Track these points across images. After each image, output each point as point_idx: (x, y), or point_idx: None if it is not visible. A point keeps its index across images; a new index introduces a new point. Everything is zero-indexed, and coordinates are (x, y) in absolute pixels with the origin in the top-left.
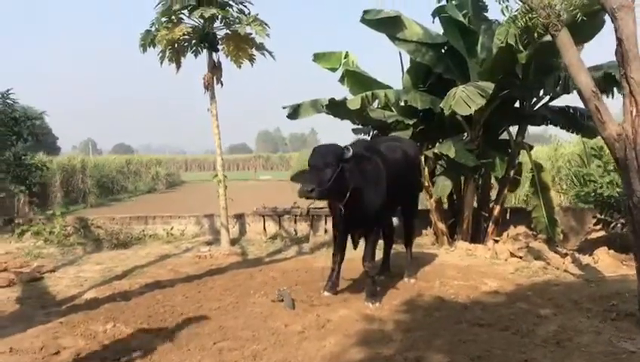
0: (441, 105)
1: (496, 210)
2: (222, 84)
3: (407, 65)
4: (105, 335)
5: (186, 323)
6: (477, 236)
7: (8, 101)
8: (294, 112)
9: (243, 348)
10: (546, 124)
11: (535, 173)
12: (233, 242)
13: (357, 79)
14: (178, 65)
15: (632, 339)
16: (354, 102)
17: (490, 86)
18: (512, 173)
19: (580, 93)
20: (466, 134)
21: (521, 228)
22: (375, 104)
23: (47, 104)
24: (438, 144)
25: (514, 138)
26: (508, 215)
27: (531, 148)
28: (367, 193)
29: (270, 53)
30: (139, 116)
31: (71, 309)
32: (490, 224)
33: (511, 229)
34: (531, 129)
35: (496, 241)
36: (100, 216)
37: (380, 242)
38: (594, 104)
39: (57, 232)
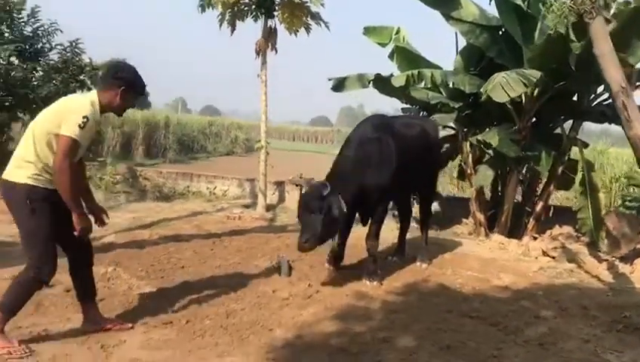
0: (481, 89)
1: (539, 206)
2: (276, 51)
3: (462, 46)
4: (100, 277)
5: (181, 275)
6: (516, 231)
7: (76, 50)
8: (339, 85)
9: (222, 305)
10: (605, 122)
11: (585, 171)
12: (269, 208)
13: (406, 56)
14: (233, 29)
15: (620, 352)
16: (398, 80)
17: (535, 74)
18: (560, 169)
19: (609, 88)
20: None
21: (568, 229)
22: (422, 84)
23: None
24: (485, 131)
25: (566, 133)
26: (552, 212)
27: (586, 145)
28: (369, 177)
29: (325, 23)
30: (230, 81)
31: None
32: (531, 220)
33: (556, 228)
34: (590, 126)
35: (535, 238)
36: (150, 169)
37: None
38: (621, 100)
39: (107, 179)
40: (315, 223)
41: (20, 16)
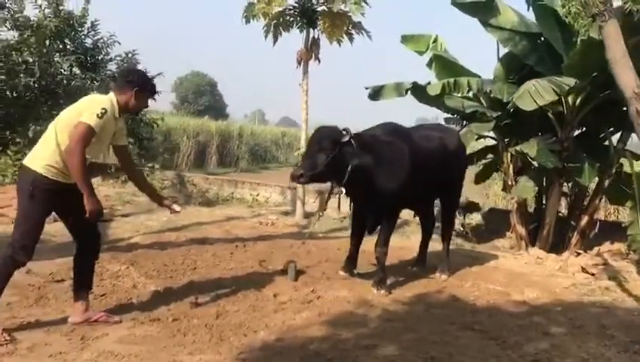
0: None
1: (584, 220)
2: (319, 61)
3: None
4: (110, 274)
5: (190, 276)
6: (560, 246)
7: (133, 61)
8: (376, 94)
9: (218, 306)
10: None
11: (636, 185)
12: (308, 215)
13: (444, 64)
14: (275, 39)
15: None
16: (434, 88)
17: (569, 81)
18: (606, 182)
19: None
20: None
21: (619, 245)
22: (459, 93)
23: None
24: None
25: (614, 144)
26: (598, 228)
27: (637, 157)
28: (378, 176)
29: (367, 32)
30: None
31: (109, 249)
32: (575, 235)
33: (606, 245)
34: None
35: (578, 254)
36: (197, 175)
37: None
38: (634, 107)
39: (155, 184)
40: (316, 161)
41: (81, 29)
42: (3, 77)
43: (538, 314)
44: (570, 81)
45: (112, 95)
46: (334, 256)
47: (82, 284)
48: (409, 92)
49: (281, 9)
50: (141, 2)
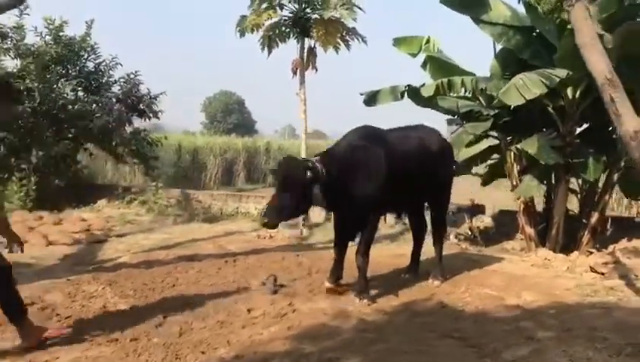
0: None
1: (594, 217)
2: (316, 70)
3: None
4: (83, 295)
5: (167, 293)
6: (571, 245)
7: (135, 81)
8: (372, 99)
9: (185, 323)
10: None
11: None
12: (312, 227)
13: (439, 65)
14: (269, 51)
15: None
16: (427, 90)
17: (560, 73)
18: (616, 176)
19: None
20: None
21: (637, 243)
22: (454, 93)
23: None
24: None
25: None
26: (610, 224)
27: None
28: (353, 184)
29: (362, 37)
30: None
31: (95, 269)
32: (586, 233)
33: (622, 242)
34: None
35: (590, 253)
36: (202, 192)
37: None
38: (608, 93)
39: (160, 203)
40: (283, 202)
41: (83, 53)
42: (24, 106)
43: (527, 318)
44: (562, 73)
45: None
46: (326, 266)
47: (9, 314)
48: (405, 95)
49: (272, 21)
50: (169, 27)
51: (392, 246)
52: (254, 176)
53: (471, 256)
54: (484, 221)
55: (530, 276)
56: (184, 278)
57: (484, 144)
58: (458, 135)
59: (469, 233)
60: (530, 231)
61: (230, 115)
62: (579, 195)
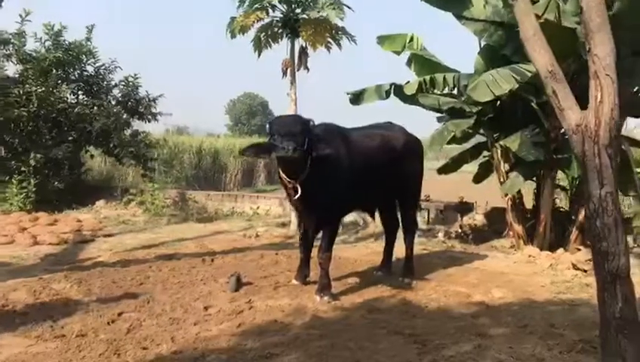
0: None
1: (581, 214)
2: (308, 70)
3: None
4: (48, 292)
5: (132, 291)
6: (559, 242)
7: (136, 84)
8: (357, 98)
9: (136, 320)
10: None
11: (637, 173)
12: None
13: (423, 62)
14: (259, 52)
15: None
16: (410, 88)
17: (534, 68)
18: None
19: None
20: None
21: (629, 239)
22: (438, 90)
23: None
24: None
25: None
26: None
27: (636, 142)
28: (322, 177)
29: (351, 37)
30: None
31: (71, 268)
32: (574, 230)
33: None
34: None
35: (578, 250)
36: (199, 192)
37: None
38: (551, 87)
39: (157, 204)
40: (300, 140)
41: (83, 57)
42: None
43: (486, 315)
44: (534, 68)
45: None
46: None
47: None
48: (391, 94)
49: (263, 22)
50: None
51: (375, 245)
52: (274, 177)
53: (454, 254)
54: (476, 219)
55: (508, 273)
56: (154, 277)
57: (473, 141)
58: (439, 132)
59: (460, 231)
60: (518, 228)
61: (254, 116)
62: (568, 192)
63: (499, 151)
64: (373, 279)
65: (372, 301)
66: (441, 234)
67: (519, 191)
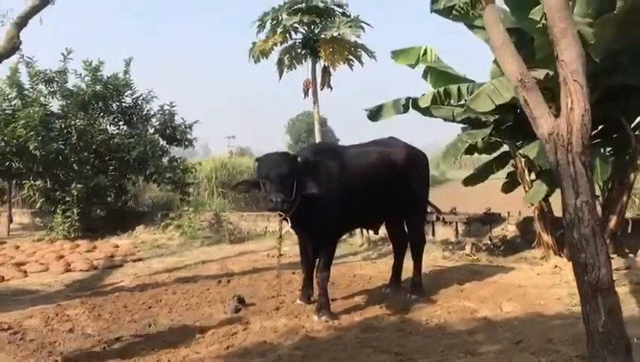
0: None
1: (612, 221)
2: (331, 88)
3: None
4: (59, 319)
5: (138, 316)
6: None
7: (172, 111)
8: (375, 114)
9: (133, 344)
10: None
11: None
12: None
13: (438, 74)
14: (280, 74)
15: None
16: (425, 100)
17: (539, 74)
18: (632, 177)
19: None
20: None
21: None
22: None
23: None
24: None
25: (633, 135)
26: (630, 228)
27: None
28: (312, 204)
29: (371, 52)
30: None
31: (92, 294)
32: (606, 239)
33: None
34: None
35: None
36: (234, 213)
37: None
38: (522, 95)
39: (193, 226)
40: (288, 187)
41: (122, 90)
42: (57, 144)
43: (483, 331)
44: (541, 74)
45: None
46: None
47: None
48: (409, 107)
49: (285, 45)
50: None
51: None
52: None
53: (475, 268)
54: (508, 229)
55: (526, 286)
56: (166, 300)
57: (498, 150)
58: (453, 143)
59: (489, 243)
60: (547, 238)
61: (312, 134)
62: (599, 198)
63: (522, 160)
64: (379, 297)
65: (371, 319)
66: (468, 247)
67: (547, 200)
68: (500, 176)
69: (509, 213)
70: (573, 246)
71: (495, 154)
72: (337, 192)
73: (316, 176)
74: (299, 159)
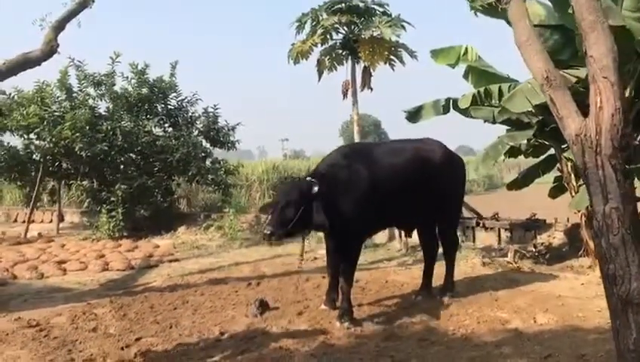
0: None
1: None
2: (371, 89)
3: None
4: (86, 317)
5: (161, 316)
6: None
7: (215, 113)
8: (415, 115)
9: (151, 344)
10: None
11: None
12: (376, 246)
13: (479, 74)
14: (319, 76)
15: None
16: (465, 101)
17: (580, 73)
18: None
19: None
20: None
21: None
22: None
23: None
24: None
25: None
26: None
27: None
28: (336, 205)
29: (412, 52)
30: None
31: (123, 293)
32: None
33: None
34: None
35: None
36: None
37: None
38: (548, 94)
39: (233, 228)
40: (286, 216)
41: (168, 92)
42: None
43: (511, 344)
44: (582, 73)
45: None
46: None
47: None
48: (450, 108)
49: (326, 46)
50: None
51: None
52: None
53: (514, 276)
54: (555, 236)
55: (566, 296)
56: (192, 301)
57: (545, 153)
58: (493, 146)
59: (534, 250)
60: (593, 246)
61: (367, 137)
62: None
63: (568, 164)
64: (408, 304)
65: (396, 327)
66: (510, 255)
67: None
68: (549, 180)
69: (556, 219)
70: (601, 256)
71: (542, 157)
72: (361, 196)
73: (341, 182)
74: (314, 189)
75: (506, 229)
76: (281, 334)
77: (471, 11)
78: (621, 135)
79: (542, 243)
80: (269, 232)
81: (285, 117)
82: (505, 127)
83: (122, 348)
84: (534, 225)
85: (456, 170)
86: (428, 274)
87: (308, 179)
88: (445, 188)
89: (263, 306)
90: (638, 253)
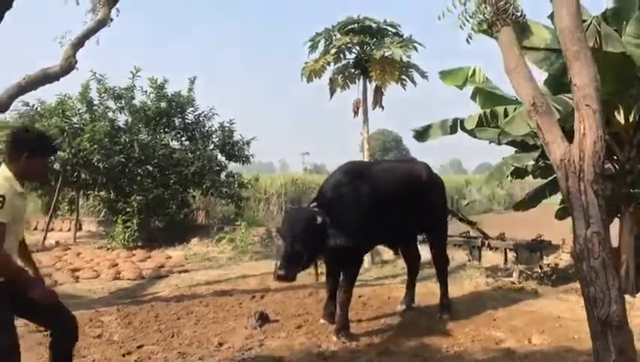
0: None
1: None
2: (382, 108)
3: None
4: (92, 324)
5: (163, 326)
6: None
7: (231, 128)
8: (423, 134)
9: (150, 353)
10: None
11: None
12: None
13: (486, 95)
14: (331, 94)
15: None
16: (471, 121)
17: None
18: None
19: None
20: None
21: None
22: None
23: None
24: None
25: None
26: None
27: None
28: (339, 222)
29: (423, 72)
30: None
31: (131, 302)
32: None
33: None
34: None
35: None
36: None
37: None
38: (535, 120)
39: (245, 241)
40: (297, 254)
41: (186, 107)
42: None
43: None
44: None
45: (4, 171)
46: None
47: None
48: (457, 129)
49: (339, 65)
50: None
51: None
52: None
53: (515, 296)
54: (562, 258)
55: (564, 318)
56: (196, 312)
57: (553, 174)
58: (498, 167)
59: (539, 271)
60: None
61: (388, 152)
62: None
63: None
64: (407, 320)
65: (391, 343)
66: (515, 275)
67: None
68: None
69: (563, 240)
70: (582, 279)
71: (549, 179)
72: (360, 214)
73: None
74: (318, 219)
75: (511, 249)
76: (277, 348)
77: (480, 32)
78: (619, 162)
79: (548, 264)
80: (282, 274)
81: (307, 130)
82: (513, 148)
83: (124, 355)
84: (539, 246)
85: (439, 190)
86: (410, 285)
87: (312, 206)
88: (432, 206)
89: (263, 319)
90: (617, 277)
